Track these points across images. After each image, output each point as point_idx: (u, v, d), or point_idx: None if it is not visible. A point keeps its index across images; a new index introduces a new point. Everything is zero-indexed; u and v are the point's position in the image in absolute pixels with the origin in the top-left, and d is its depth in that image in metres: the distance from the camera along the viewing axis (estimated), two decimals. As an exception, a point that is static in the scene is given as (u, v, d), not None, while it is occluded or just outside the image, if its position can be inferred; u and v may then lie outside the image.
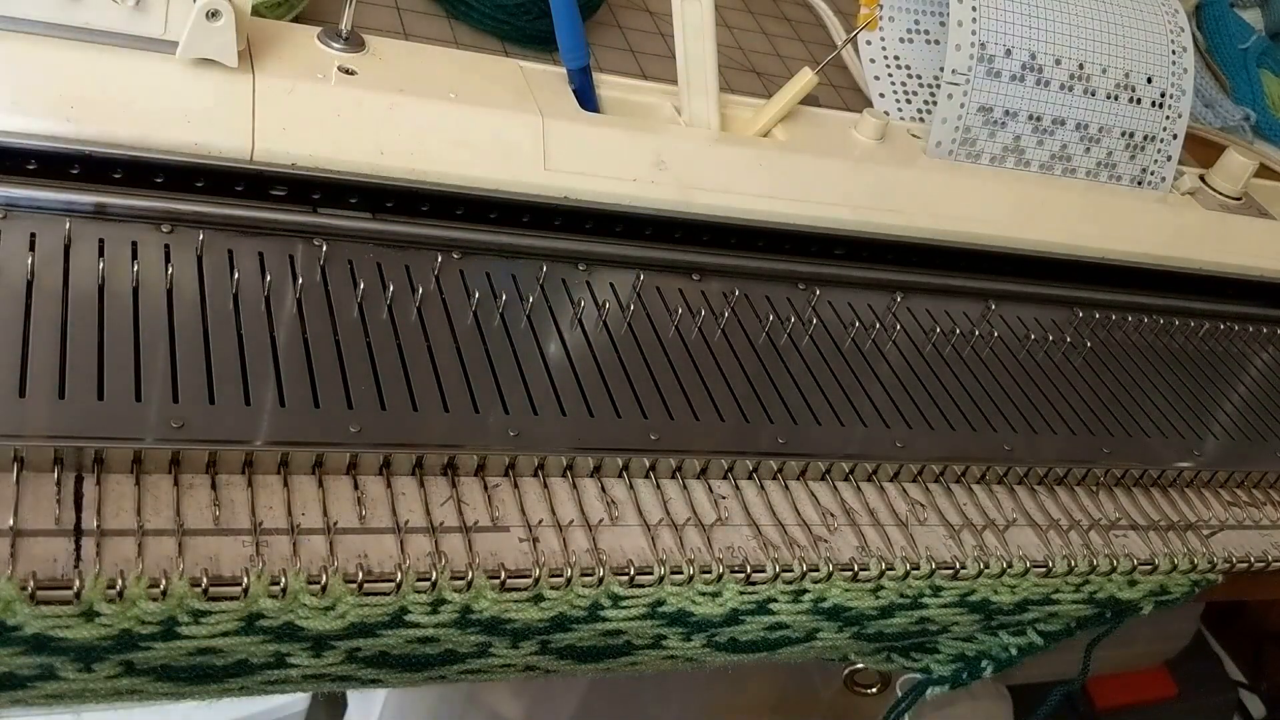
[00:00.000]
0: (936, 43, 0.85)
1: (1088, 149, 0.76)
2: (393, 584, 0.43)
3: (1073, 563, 0.56)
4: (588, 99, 0.64)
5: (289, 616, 0.41)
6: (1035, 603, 0.57)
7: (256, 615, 0.41)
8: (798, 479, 0.55)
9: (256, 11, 0.55)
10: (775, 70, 0.87)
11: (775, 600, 0.50)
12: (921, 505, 0.56)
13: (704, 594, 0.48)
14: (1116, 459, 0.62)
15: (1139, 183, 0.79)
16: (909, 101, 0.84)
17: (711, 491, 0.52)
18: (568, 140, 0.60)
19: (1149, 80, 0.76)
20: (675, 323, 0.59)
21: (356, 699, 0.70)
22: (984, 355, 0.66)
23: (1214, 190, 0.82)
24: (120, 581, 0.39)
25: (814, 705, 0.90)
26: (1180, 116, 0.78)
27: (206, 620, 0.40)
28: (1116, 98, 0.76)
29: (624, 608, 0.47)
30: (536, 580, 0.45)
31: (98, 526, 0.41)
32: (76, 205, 0.51)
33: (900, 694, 0.69)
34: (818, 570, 0.50)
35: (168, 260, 0.51)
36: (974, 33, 0.71)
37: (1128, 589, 0.58)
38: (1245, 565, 0.61)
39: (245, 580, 0.41)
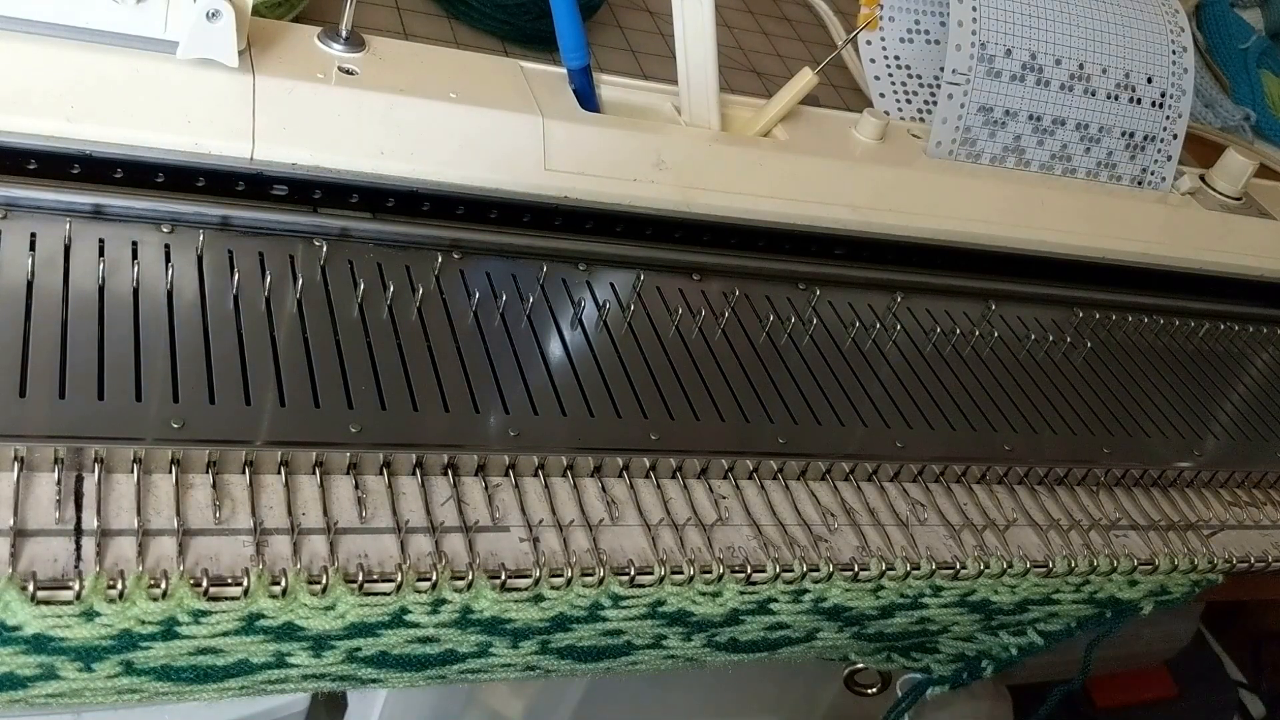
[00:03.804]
0: (936, 43, 0.85)
1: (1088, 149, 0.76)
2: (393, 584, 0.43)
3: (1073, 563, 0.55)
4: (588, 99, 0.64)
5: (289, 616, 0.41)
6: (1035, 603, 0.57)
7: (256, 615, 0.41)
8: (798, 479, 0.55)
9: (256, 11, 0.55)
10: (775, 70, 0.87)
11: (775, 600, 0.50)
12: (921, 505, 0.56)
13: (704, 594, 0.48)
14: (1116, 459, 0.62)
15: (1139, 183, 0.79)
16: (909, 101, 0.84)
17: (712, 491, 0.52)
18: (568, 140, 0.60)
19: (1149, 80, 0.76)
20: (675, 323, 0.59)
21: (356, 699, 0.70)
22: (984, 355, 0.66)
23: (1214, 190, 0.82)
24: (120, 581, 0.39)
25: (814, 705, 0.90)
26: (1180, 116, 0.78)
27: (206, 620, 0.40)
28: (1116, 98, 0.76)
29: (624, 608, 0.47)
30: (537, 580, 0.45)
31: (98, 526, 0.41)
32: (76, 205, 0.51)
33: (900, 694, 0.69)
34: (818, 570, 0.50)
35: (168, 260, 0.51)
36: (974, 33, 0.71)
37: (1128, 589, 0.58)
38: (1245, 565, 0.61)
39: (245, 580, 0.41)
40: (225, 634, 0.41)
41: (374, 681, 0.47)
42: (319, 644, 0.43)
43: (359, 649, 0.44)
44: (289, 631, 0.42)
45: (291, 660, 0.43)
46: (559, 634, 0.47)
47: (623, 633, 0.49)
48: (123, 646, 0.39)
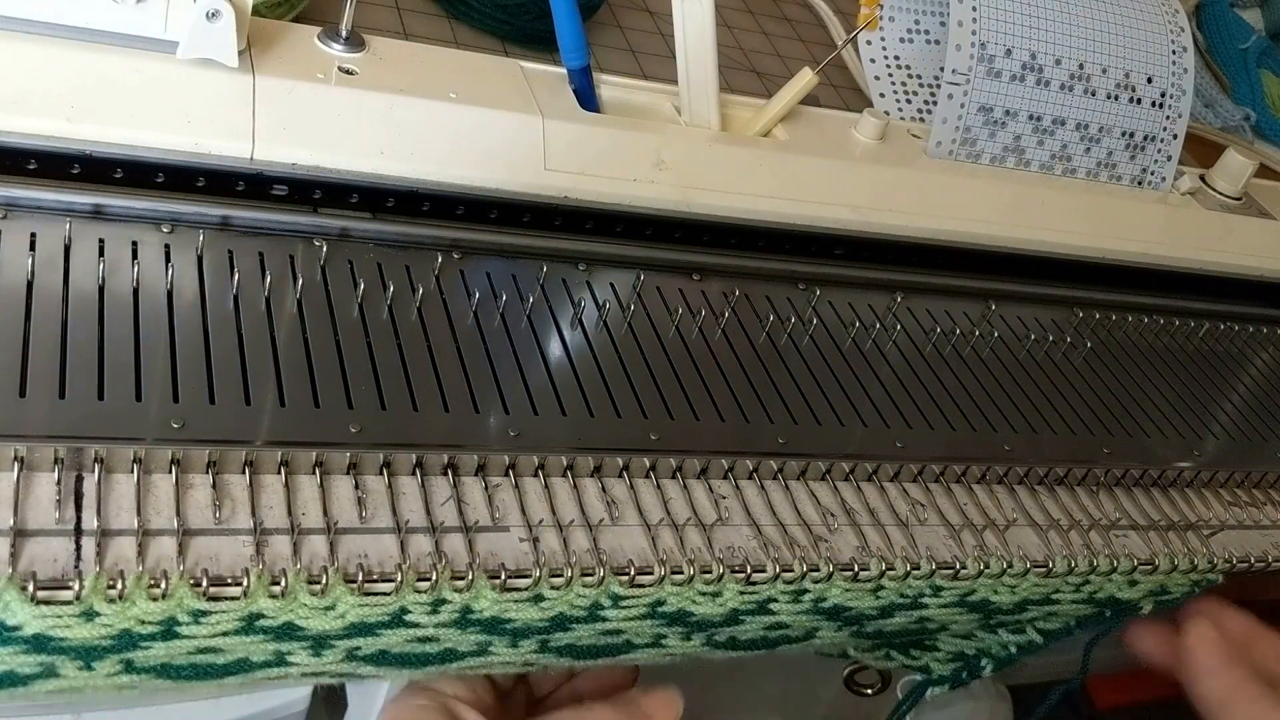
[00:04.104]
0: (936, 43, 0.85)
1: (1088, 149, 0.76)
2: (393, 584, 0.43)
3: (1073, 563, 0.55)
4: (588, 99, 0.64)
5: (289, 616, 0.41)
6: (1035, 602, 0.57)
7: (256, 615, 0.41)
8: (798, 479, 0.55)
9: (256, 11, 0.55)
10: (775, 70, 0.87)
11: (775, 600, 0.50)
12: (921, 505, 0.56)
13: (704, 594, 0.48)
14: (1116, 459, 0.62)
15: (1139, 183, 0.79)
16: (909, 101, 0.84)
17: (712, 491, 0.52)
18: (568, 140, 0.60)
19: (1149, 80, 0.76)
20: (675, 323, 0.59)
21: (356, 700, 0.70)
22: (984, 355, 0.66)
23: (1214, 190, 0.82)
24: (120, 582, 0.39)
25: (814, 705, 0.90)
26: (1180, 116, 0.78)
27: (206, 620, 0.40)
28: (1116, 98, 0.76)
29: (624, 608, 0.47)
30: (537, 580, 0.45)
31: (98, 526, 0.41)
32: (76, 205, 0.51)
33: (900, 695, 0.69)
34: (818, 570, 0.50)
35: (168, 260, 0.51)
36: (974, 33, 0.71)
37: (1127, 589, 0.58)
38: (1245, 565, 0.61)
39: (245, 580, 0.40)
40: (225, 634, 0.41)
41: (373, 676, 0.47)
42: (319, 644, 0.43)
43: (358, 648, 0.44)
44: (289, 631, 0.42)
45: (291, 659, 0.43)
46: (558, 633, 0.47)
47: (622, 632, 0.49)
48: (123, 646, 0.39)
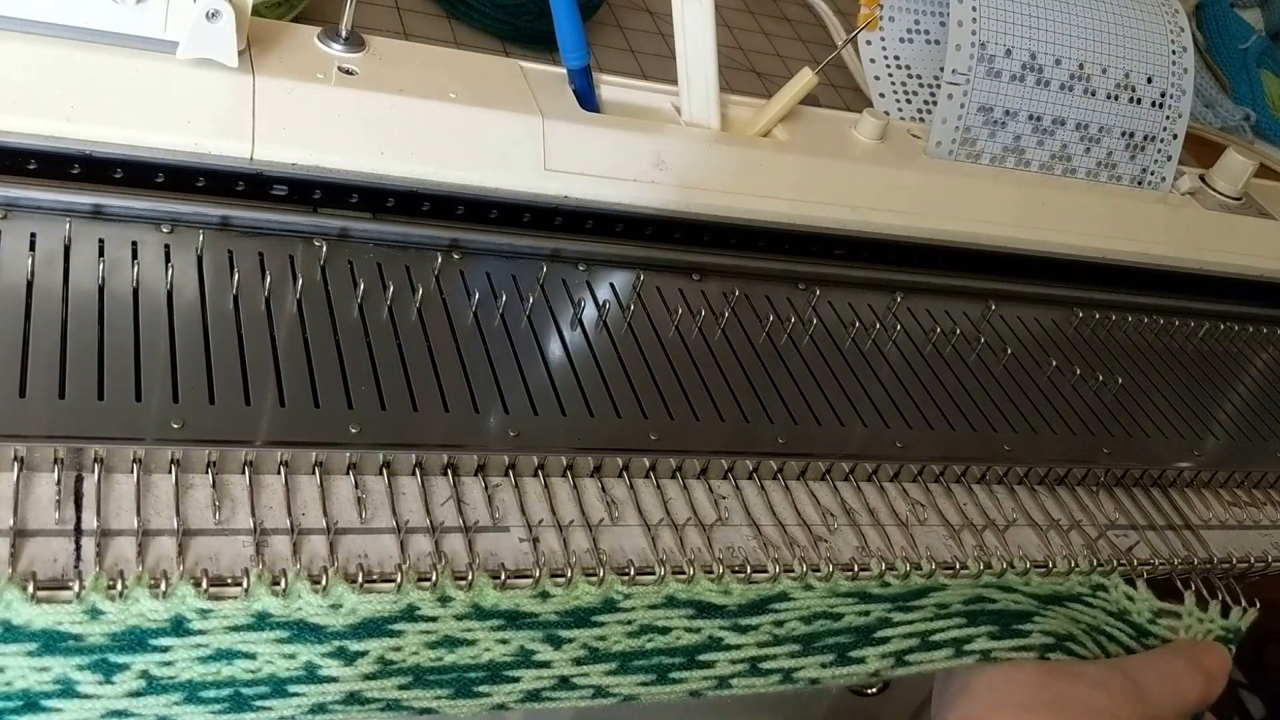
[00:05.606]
0: (936, 43, 0.85)
1: (1088, 149, 0.76)
2: (393, 584, 0.43)
3: (1073, 563, 0.55)
4: (588, 99, 0.64)
5: (299, 615, 0.41)
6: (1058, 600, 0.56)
7: (265, 613, 0.41)
8: (798, 479, 0.55)
9: (256, 11, 0.55)
10: (775, 70, 0.87)
11: (789, 595, 0.50)
12: (921, 505, 0.56)
13: (711, 591, 0.48)
14: (1116, 459, 0.62)
15: (1139, 183, 0.79)
16: (909, 101, 0.84)
17: (712, 491, 0.52)
18: (568, 140, 0.60)
19: (1149, 80, 0.76)
20: (675, 323, 0.59)
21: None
22: (984, 355, 0.66)
23: (1214, 190, 0.82)
24: (120, 582, 0.39)
25: (814, 705, 0.90)
26: (1180, 116, 0.78)
27: (214, 615, 0.40)
28: (1116, 98, 0.76)
29: (634, 602, 0.46)
30: (537, 580, 0.45)
31: (98, 526, 0.41)
32: (76, 205, 0.51)
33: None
34: (819, 570, 0.50)
35: (168, 260, 0.51)
36: (974, 33, 0.71)
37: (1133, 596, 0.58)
38: (1245, 565, 0.61)
39: (245, 581, 0.40)
40: (237, 628, 0.40)
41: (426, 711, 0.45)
42: (344, 650, 0.42)
43: (391, 661, 0.43)
44: (304, 631, 0.41)
45: (323, 672, 0.42)
46: (591, 630, 0.45)
47: (665, 631, 0.47)
48: (135, 645, 0.39)
